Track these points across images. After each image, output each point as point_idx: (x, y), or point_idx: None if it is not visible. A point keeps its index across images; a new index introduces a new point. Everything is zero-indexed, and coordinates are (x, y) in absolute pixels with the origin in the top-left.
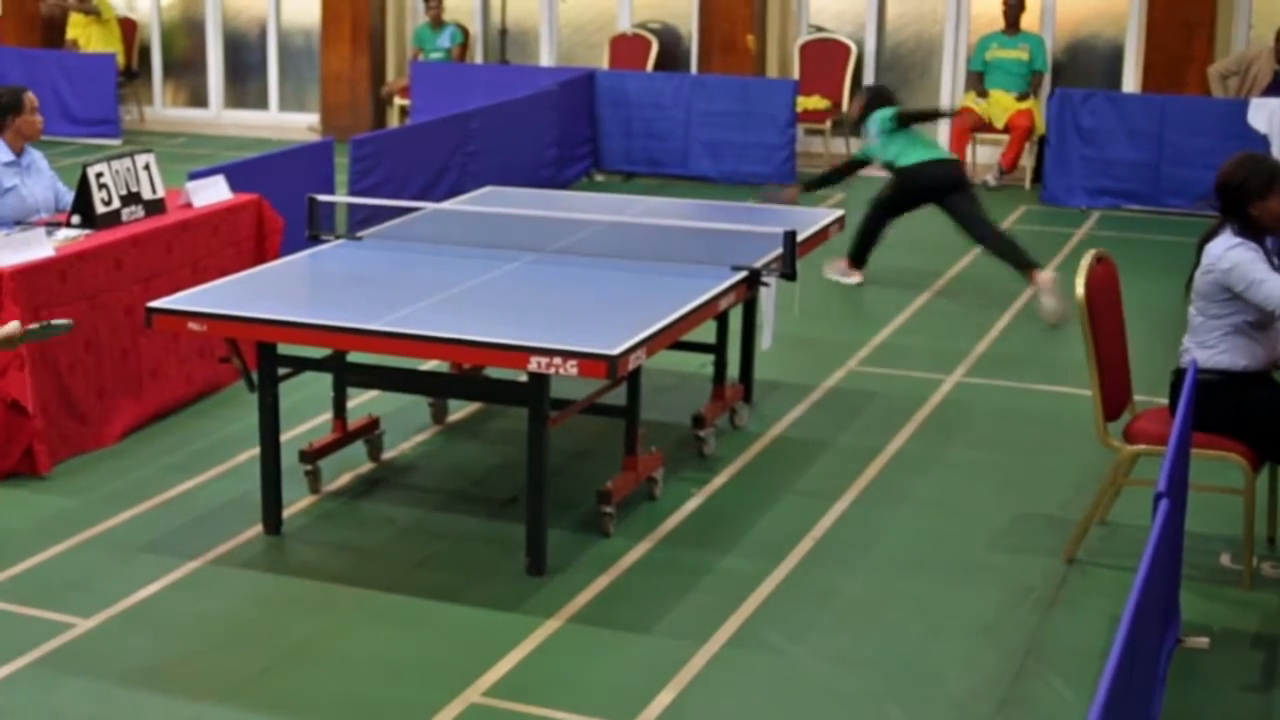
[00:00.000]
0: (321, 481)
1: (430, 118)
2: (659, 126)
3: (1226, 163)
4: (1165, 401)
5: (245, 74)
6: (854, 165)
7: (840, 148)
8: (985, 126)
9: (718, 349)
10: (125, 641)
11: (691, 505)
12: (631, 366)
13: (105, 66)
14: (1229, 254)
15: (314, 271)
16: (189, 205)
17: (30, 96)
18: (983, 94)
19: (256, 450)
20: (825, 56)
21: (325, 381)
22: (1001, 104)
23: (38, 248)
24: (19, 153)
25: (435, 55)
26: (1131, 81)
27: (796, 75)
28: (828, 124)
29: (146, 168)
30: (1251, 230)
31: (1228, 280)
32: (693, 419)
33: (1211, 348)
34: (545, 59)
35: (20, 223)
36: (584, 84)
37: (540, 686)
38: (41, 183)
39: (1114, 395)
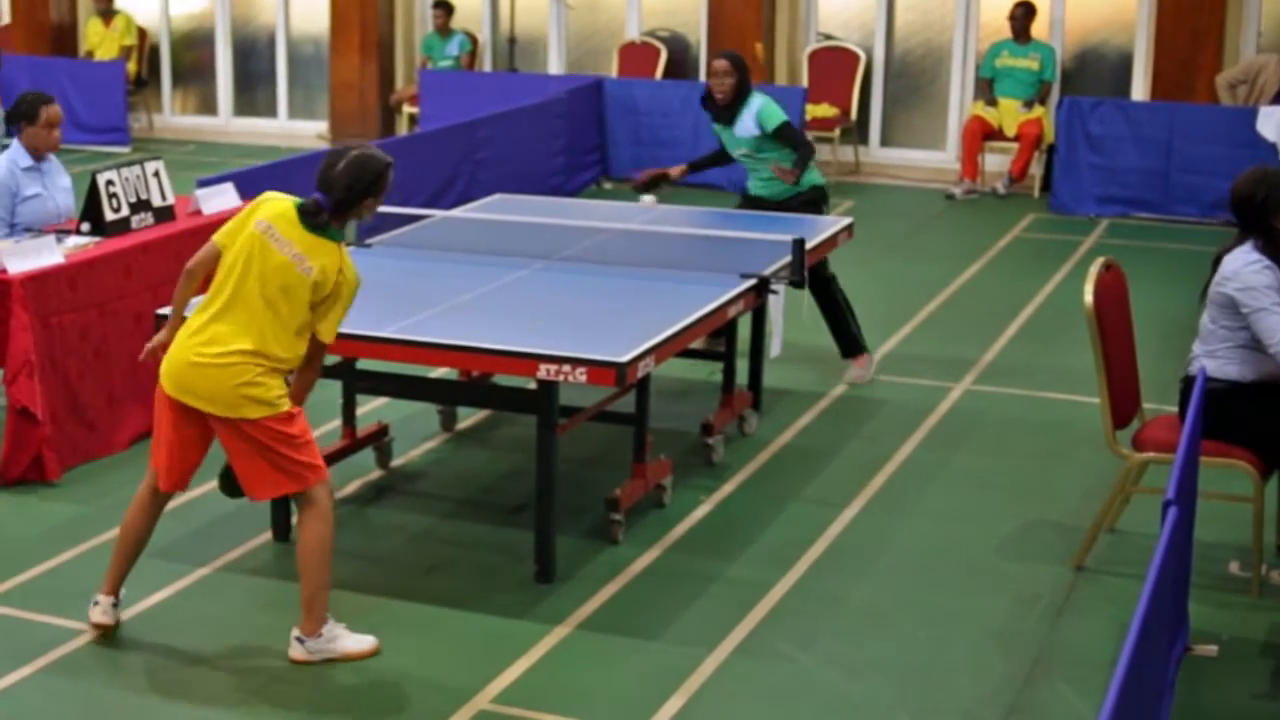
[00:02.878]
0: (330, 488)
1: (439, 126)
2: (668, 134)
3: (1242, 179)
4: (1174, 409)
5: (254, 82)
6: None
7: (848, 155)
8: (995, 134)
9: (726, 356)
10: (134, 648)
11: (700, 513)
12: (640, 374)
13: (115, 74)
14: (1246, 273)
15: None
16: (198, 212)
17: (50, 111)
18: (992, 102)
19: None
20: (834, 64)
21: (334, 388)
22: (1009, 112)
23: (48, 255)
24: (39, 158)
25: (444, 63)
26: (1140, 89)
27: (805, 83)
28: (836, 131)
29: (156, 175)
30: (1275, 244)
31: (1238, 298)
32: (701, 426)
33: (1221, 358)
34: (554, 67)
35: (30, 228)
36: (592, 92)
37: (549, 693)
38: (61, 187)
39: (1123, 403)
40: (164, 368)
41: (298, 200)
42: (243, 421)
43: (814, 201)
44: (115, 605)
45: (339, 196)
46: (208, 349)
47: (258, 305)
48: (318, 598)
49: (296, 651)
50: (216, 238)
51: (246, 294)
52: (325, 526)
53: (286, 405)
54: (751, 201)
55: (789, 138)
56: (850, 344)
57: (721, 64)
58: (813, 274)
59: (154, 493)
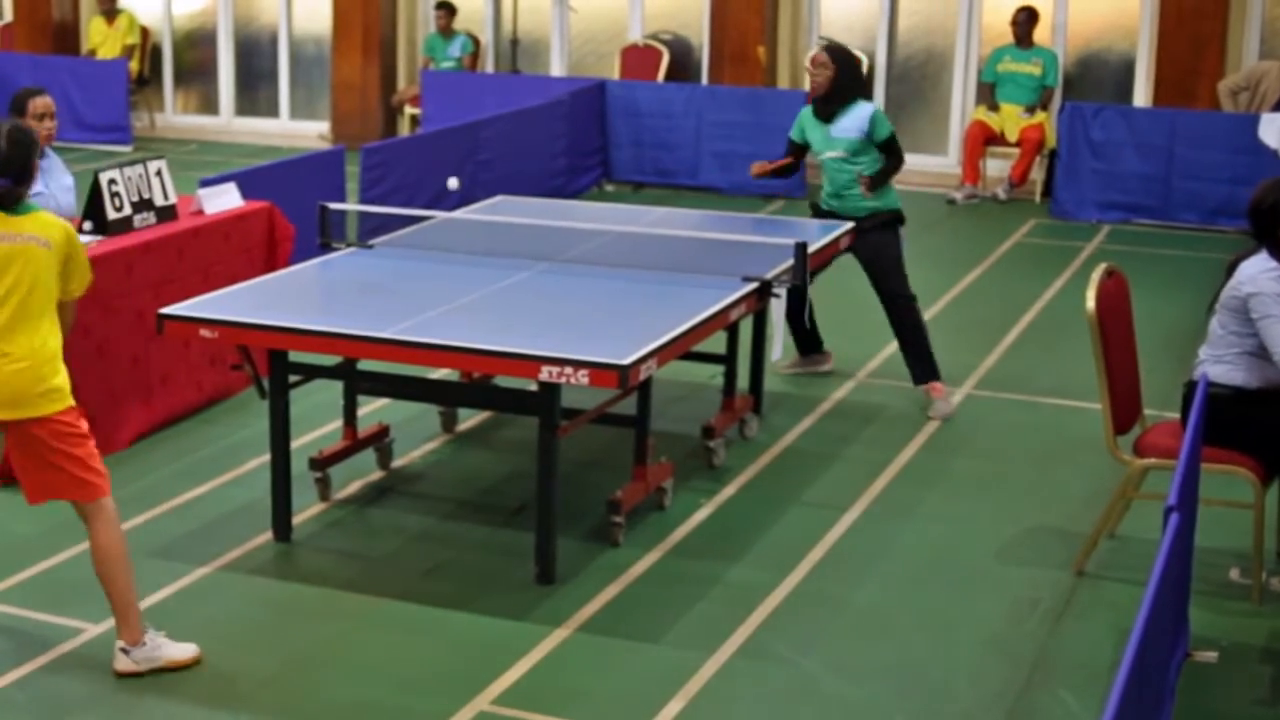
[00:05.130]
0: (331, 489)
1: (441, 127)
2: (669, 137)
3: (1259, 187)
4: (1175, 415)
5: (256, 82)
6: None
7: None
8: (996, 139)
9: (728, 360)
10: None
11: (700, 515)
12: (642, 376)
13: (117, 73)
14: (1262, 279)
15: (325, 279)
16: (200, 212)
17: (37, 102)
18: (994, 107)
19: (266, 457)
20: None
21: (335, 389)
22: (1011, 117)
23: None
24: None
25: (446, 64)
26: (1142, 96)
27: (807, 86)
28: None
29: (158, 174)
30: None
31: (1251, 304)
32: (702, 429)
33: (1228, 363)
34: (556, 69)
35: None
36: (595, 94)
37: (549, 695)
38: (60, 185)
39: (1124, 409)
40: None
41: None
42: (40, 421)
43: (890, 224)
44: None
45: (16, 169)
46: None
47: (19, 305)
48: (130, 605)
49: (122, 664)
50: None
51: (5, 300)
52: (118, 530)
53: (70, 400)
54: (822, 215)
55: (893, 150)
56: (925, 370)
57: (819, 55)
58: (889, 292)
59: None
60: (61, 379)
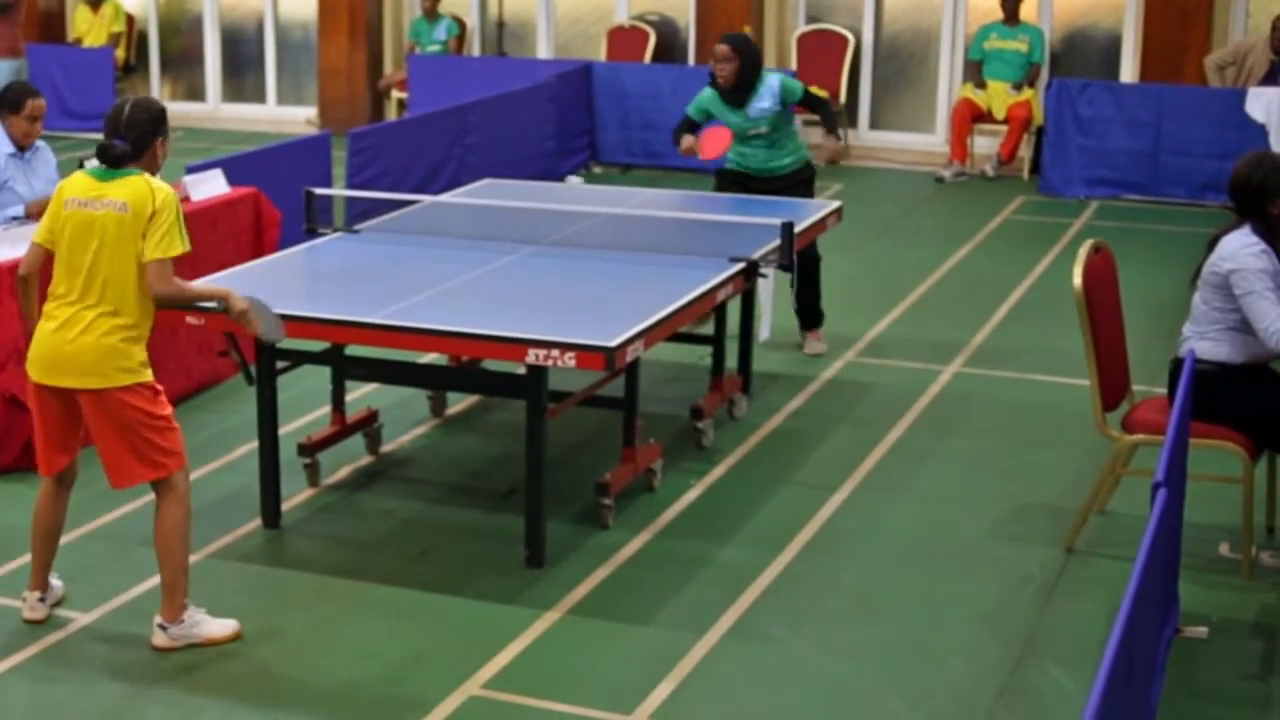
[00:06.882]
0: (320, 474)
1: (428, 110)
2: (657, 118)
3: (1240, 163)
4: (1163, 391)
5: (243, 68)
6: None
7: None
8: (984, 116)
9: (716, 340)
10: (124, 636)
11: (690, 497)
12: (629, 358)
13: (103, 61)
14: (1242, 254)
15: (312, 265)
16: (187, 199)
17: (35, 104)
18: (981, 84)
19: (255, 444)
20: (823, 47)
21: (324, 375)
22: (998, 94)
23: None
24: (24, 146)
25: (432, 48)
26: (1129, 71)
27: (794, 66)
28: None
29: None
30: (1271, 228)
31: (1232, 280)
32: (691, 410)
33: (1212, 340)
34: (542, 51)
35: (14, 217)
36: (581, 76)
37: (539, 678)
38: (44, 177)
39: (1112, 385)
40: (32, 358)
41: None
42: (111, 394)
43: (807, 180)
44: (42, 600)
45: (136, 135)
46: (71, 330)
47: (103, 275)
48: (178, 582)
49: (160, 639)
50: (39, 239)
51: (90, 269)
52: (184, 510)
53: (149, 375)
54: (735, 177)
55: (815, 101)
56: (816, 318)
57: (722, 49)
58: (805, 251)
59: (55, 483)
60: (135, 360)
